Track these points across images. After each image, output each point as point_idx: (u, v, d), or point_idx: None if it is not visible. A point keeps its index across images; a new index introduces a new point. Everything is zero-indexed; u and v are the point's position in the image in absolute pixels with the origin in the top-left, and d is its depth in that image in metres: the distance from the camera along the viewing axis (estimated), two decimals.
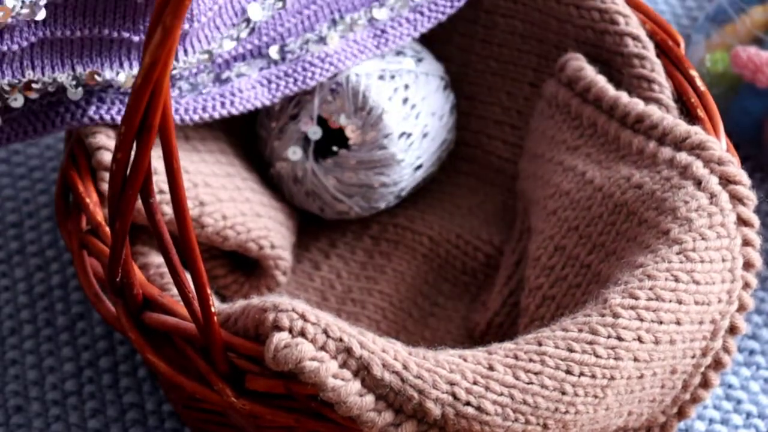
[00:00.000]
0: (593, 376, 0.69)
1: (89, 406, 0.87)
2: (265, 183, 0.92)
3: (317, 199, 0.91)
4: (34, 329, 0.92)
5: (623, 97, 0.83)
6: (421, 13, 0.89)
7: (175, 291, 0.76)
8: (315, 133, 0.89)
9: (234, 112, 0.84)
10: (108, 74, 0.78)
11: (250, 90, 0.85)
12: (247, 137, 0.94)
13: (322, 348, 0.67)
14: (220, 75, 0.84)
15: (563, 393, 0.69)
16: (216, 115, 0.84)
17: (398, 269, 0.92)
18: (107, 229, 0.75)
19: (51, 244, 0.96)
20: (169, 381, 0.73)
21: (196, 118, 0.83)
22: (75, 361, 0.90)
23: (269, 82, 0.86)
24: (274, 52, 0.85)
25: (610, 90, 0.84)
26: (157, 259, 0.81)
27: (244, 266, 0.89)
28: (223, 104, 0.84)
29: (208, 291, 0.66)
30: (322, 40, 0.86)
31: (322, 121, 0.90)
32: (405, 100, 0.89)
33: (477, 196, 0.96)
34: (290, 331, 0.67)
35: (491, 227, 0.93)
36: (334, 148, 0.90)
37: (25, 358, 0.90)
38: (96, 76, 0.77)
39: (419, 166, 0.92)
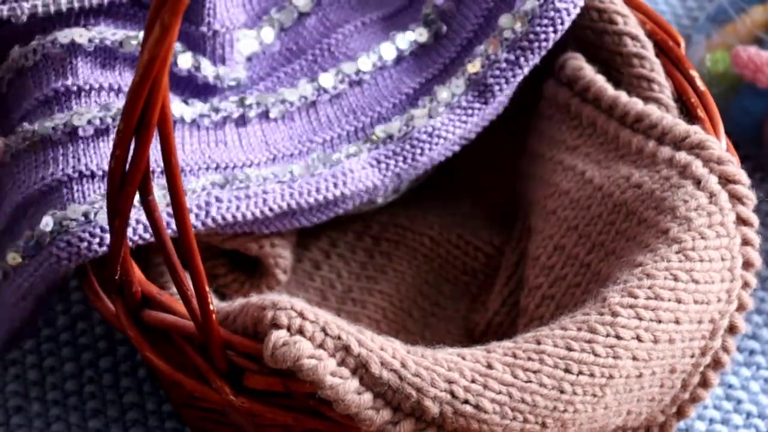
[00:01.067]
0: (592, 375, 0.69)
1: (90, 406, 0.87)
2: None
3: None
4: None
5: (622, 96, 0.83)
6: (521, 48, 0.83)
7: (174, 289, 0.76)
8: None
9: (346, 192, 0.82)
10: None
11: (361, 171, 0.83)
12: None
13: (321, 346, 0.67)
14: (330, 156, 0.83)
15: (562, 392, 0.69)
16: (330, 196, 0.82)
17: (399, 269, 0.92)
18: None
19: None
20: (168, 379, 0.73)
21: (311, 200, 0.81)
22: (75, 361, 0.89)
23: (378, 162, 0.83)
24: (379, 131, 0.84)
25: (609, 89, 0.84)
26: (156, 257, 0.81)
27: (245, 265, 0.89)
28: (335, 185, 0.82)
29: (207, 289, 0.66)
30: (427, 114, 0.84)
31: None
32: None
33: (478, 197, 0.96)
34: (288, 328, 0.67)
35: (492, 227, 0.93)
36: None
37: (25, 358, 0.90)
38: None
39: None
